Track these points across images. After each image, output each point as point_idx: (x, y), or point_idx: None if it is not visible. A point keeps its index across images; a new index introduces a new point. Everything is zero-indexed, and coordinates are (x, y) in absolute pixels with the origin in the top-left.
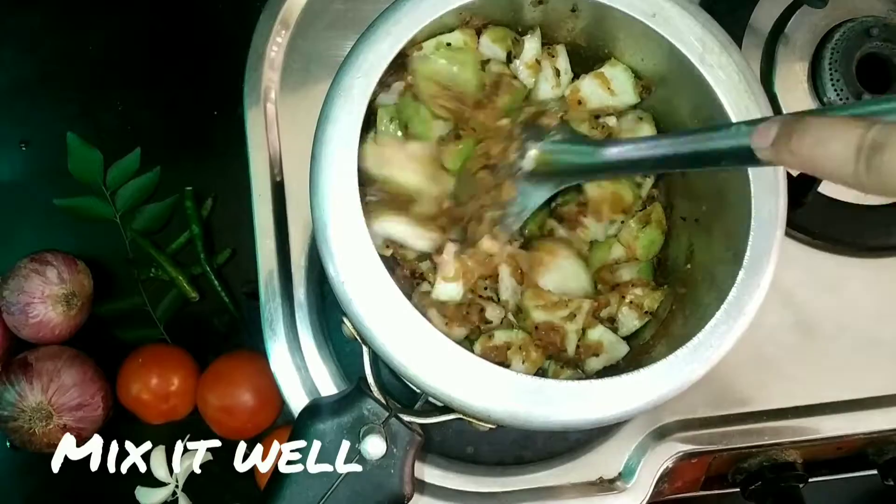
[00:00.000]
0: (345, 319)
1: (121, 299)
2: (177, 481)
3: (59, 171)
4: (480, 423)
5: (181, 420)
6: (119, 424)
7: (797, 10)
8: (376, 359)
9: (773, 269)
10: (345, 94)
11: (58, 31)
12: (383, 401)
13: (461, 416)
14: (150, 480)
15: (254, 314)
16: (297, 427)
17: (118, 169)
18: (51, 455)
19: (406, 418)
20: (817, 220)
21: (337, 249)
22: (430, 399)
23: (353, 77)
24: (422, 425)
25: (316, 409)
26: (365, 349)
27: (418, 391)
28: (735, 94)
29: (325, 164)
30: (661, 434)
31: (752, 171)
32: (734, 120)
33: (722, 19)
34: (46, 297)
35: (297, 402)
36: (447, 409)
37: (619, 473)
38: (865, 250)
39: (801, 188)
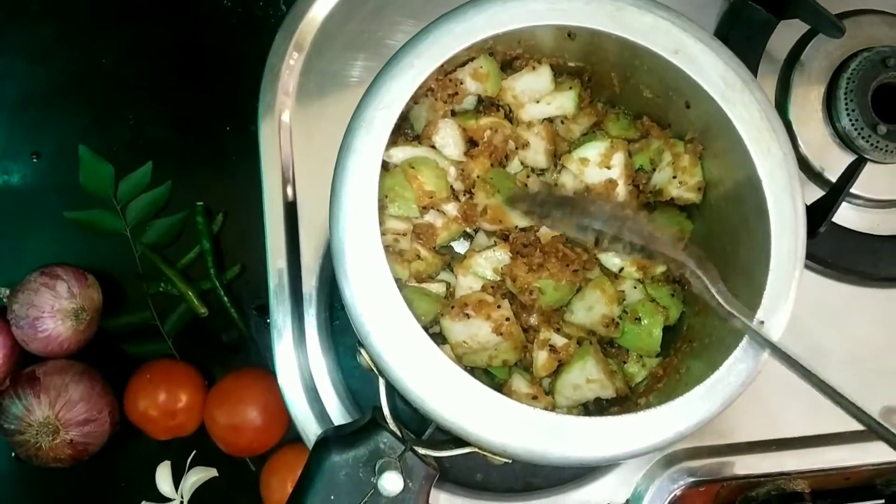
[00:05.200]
0: (361, 350)
1: (129, 313)
2: (182, 497)
3: (71, 184)
4: (496, 457)
5: (187, 436)
6: (125, 439)
7: (813, 39)
8: (392, 390)
9: (791, 308)
10: (367, 125)
11: (71, 45)
12: (399, 433)
13: (477, 449)
14: (156, 495)
15: (262, 331)
16: (312, 459)
17: (129, 182)
18: (57, 469)
19: (422, 451)
20: (830, 249)
21: (356, 282)
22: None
23: (376, 108)
24: (436, 458)
25: (331, 440)
26: (381, 381)
27: (430, 420)
28: (756, 132)
29: (346, 195)
30: (670, 462)
31: (771, 210)
32: (753, 156)
33: (738, 47)
34: (56, 312)
35: (306, 422)
36: (462, 441)
37: (628, 500)
38: (878, 280)
39: (816, 218)
